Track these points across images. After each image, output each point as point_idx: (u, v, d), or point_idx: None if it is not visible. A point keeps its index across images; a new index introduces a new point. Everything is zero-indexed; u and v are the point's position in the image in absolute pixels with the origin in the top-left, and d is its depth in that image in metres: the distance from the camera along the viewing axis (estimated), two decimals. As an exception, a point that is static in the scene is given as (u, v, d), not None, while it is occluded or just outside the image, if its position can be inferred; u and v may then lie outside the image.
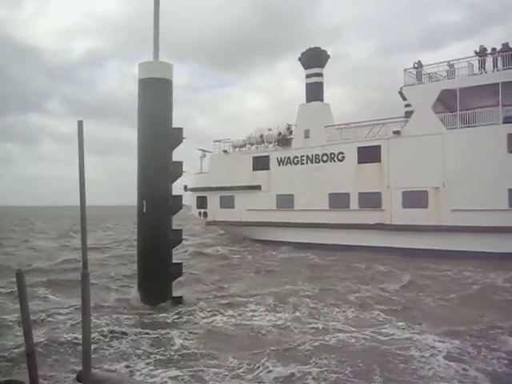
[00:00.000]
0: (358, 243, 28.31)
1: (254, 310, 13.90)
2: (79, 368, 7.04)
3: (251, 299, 15.47)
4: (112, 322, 12.24)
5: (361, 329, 11.56)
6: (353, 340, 10.68)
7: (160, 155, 14.83)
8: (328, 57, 33.93)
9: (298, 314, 13.46)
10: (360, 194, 29.38)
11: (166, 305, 14.14)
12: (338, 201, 30.19)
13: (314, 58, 33.32)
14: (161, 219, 14.78)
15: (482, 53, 26.10)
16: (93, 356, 6.81)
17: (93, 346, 8.00)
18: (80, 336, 6.74)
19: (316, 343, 10.52)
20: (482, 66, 26.14)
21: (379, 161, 28.74)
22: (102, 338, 10.89)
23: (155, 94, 14.85)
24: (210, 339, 11.07)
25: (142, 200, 14.87)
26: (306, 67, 33.70)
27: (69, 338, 10.65)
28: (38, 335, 10.45)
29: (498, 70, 25.75)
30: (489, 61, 26.36)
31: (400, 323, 12.06)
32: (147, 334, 11.37)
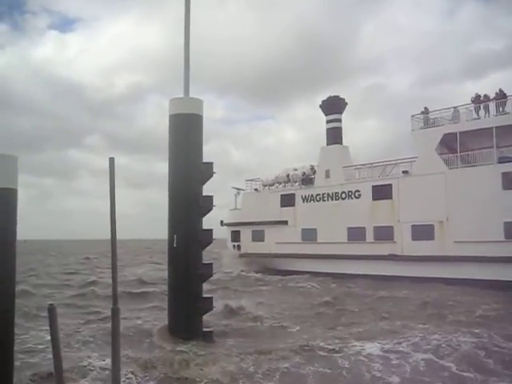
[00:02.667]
0: (373, 273, 30.97)
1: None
2: None
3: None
4: (141, 360, 12.19)
5: None
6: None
7: (190, 190, 14.94)
8: (346, 104, 37.65)
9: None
10: (374, 227, 32.44)
11: (196, 340, 13.92)
12: (356, 234, 33.30)
13: (333, 106, 37.13)
14: (191, 253, 14.82)
15: (477, 100, 29.12)
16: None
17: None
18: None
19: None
20: (477, 112, 29.13)
21: (391, 198, 31.82)
22: (131, 375, 10.89)
23: (186, 129, 15.12)
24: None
25: (172, 234, 14.95)
26: (326, 114, 37.50)
27: (100, 375, 10.86)
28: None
29: (495, 115, 28.67)
30: (490, 106, 29.27)
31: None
32: (175, 373, 11.30)
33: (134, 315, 18.99)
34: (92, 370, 11.40)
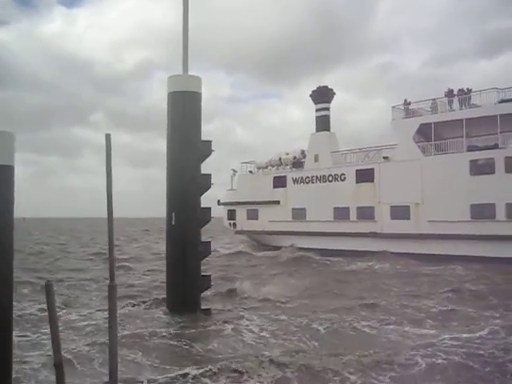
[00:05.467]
0: (356, 248, 34.24)
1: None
2: (106, 379, 7.65)
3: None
4: (139, 335, 12.22)
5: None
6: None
7: (189, 168, 14.88)
8: (334, 94, 40.70)
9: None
10: (358, 208, 35.81)
11: (194, 317, 14.07)
12: (341, 213, 36.66)
13: (322, 95, 40.21)
14: (189, 231, 14.79)
15: (449, 94, 32.30)
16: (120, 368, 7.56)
17: (119, 358, 8.17)
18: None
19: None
20: (450, 105, 32.32)
21: (373, 181, 35.13)
22: (129, 350, 10.89)
23: (184, 107, 14.99)
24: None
25: (170, 212, 14.95)
26: (315, 103, 40.55)
27: (97, 349, 10.84)
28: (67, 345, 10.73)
29: (466, 108, 31.86)
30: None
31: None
32: (174, 346, 11.53)
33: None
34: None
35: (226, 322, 13.85)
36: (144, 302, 16.80)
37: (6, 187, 7.17)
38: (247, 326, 13.57)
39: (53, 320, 6.08)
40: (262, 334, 12.91)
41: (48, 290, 6.09)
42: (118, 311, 8.34)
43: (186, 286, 14.54)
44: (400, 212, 33.28)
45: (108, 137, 6.62)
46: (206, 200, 15.94)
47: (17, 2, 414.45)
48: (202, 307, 14.82)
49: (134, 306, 16.56)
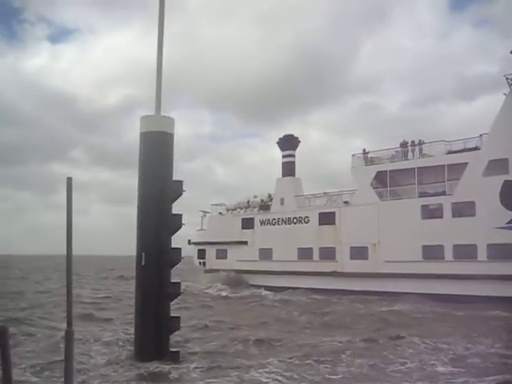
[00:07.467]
0: (318, 287, 36.38)
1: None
2: None
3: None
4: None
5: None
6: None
7: (160, 208, 14.84)
8: (299, 142, 43.73)
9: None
10: (320, 248, 38.24)
11: (162, 361, 13.79)
12: (304, 254, 38.99)
13: (288, 143, 43.19)
14: (159, 272, 14.69)
15: (404, 145, 35.57)
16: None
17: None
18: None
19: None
20: (403, 155, 35.55)
21: (334, 223, 37.74)
22: None
23: (156, 147, 14.97)
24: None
25: (140, 252, 14.83)
26: (282, 150, 43.45)
27: None
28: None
29: (418, 158, 35.09)
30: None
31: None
32: None
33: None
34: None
35: (194, 367, 14.01)
36: (108, 344, 16.85)
37: None
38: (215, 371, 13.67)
39: (6, 370, 5.86)
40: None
41: (2, 334, 5.87)
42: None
43: (155, 327, 14.42)
44: (359, 252, 35.78)
45: (69, 180, 6.56)
46: (178, 238, 15.95)
47: (4, 37, 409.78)
48: (171, 349, 14.67)
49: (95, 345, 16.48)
